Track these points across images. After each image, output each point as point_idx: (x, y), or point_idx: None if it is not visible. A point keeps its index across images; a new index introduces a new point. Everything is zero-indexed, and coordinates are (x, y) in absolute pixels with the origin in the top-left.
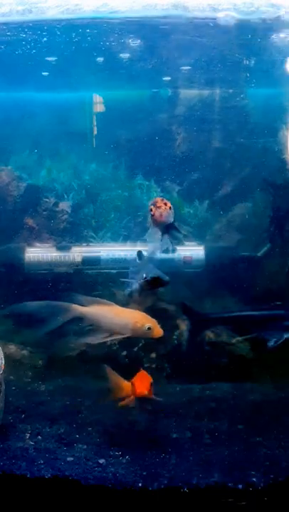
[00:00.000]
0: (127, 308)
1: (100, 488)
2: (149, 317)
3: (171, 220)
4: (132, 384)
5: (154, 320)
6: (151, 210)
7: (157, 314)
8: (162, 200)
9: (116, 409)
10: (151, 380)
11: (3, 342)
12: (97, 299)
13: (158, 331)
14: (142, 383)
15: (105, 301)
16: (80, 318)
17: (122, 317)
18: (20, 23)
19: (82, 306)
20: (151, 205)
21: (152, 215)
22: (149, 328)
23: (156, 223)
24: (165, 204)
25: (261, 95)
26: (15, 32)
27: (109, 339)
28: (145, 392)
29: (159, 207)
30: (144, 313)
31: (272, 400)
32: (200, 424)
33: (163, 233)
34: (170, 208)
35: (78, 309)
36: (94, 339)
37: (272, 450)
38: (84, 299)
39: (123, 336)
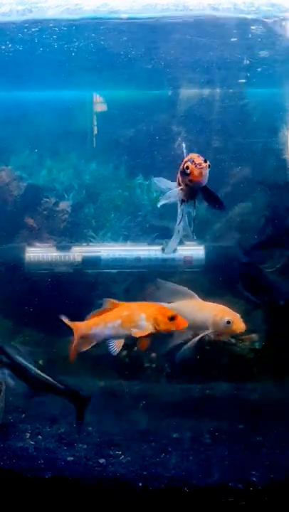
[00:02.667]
0: (209, 302)
1: (100, 488)
2: (230, 310)
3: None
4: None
5: (235, 314)
6: (187, 167)
7: None
8: (199, 156)
9: None
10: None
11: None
12: (180, 287)
13: (239, 326)
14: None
15: (186, 290)
16: None
17: (201, 311)
18: (20, 23)
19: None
20: (187, 162)
21: (188, 174)
22: (228, 322)
23: (189, 185)
24: (205, 161)
25: (261, 95)
26: (15, 31)
27: (196, 338)
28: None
29: (199, 164)
30: (225, 307)
31: (272, 400)
32: (200, 424)
33: (187, 198)
34: (209, 166)
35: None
36: (177, 340)
37: (272, 450)
38: (166, 288)
39: (205, 333)
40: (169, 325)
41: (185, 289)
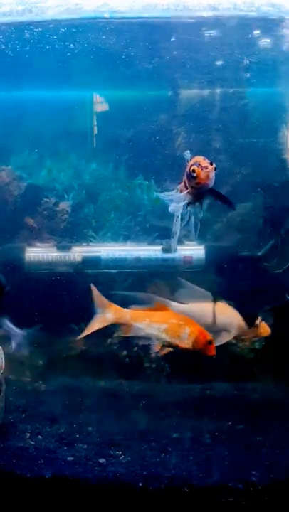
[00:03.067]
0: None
1: (100, 488)
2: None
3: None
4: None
5: (259, 317)
6: (193, 171)
7: None
8: (205, 159)
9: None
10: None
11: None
12: (200, 289)
13: (265, 329)
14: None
15: (206, 293)
16: None
17: (226, 314)
18: (20, 23)
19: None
20: (193, 165)
21: (195, 177)
22: (255, 326)
23: (196, 188)
24: (211, 164)
25: (261, 95)
26: (15, 31)
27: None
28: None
29: (205, 167)
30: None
31: (272, 400)
32: (200, 424)
33: (194, 201)
34: (215, 169)
35: (177, 307)
36: None
37: (272, 450)
38: (187, 288)
39: (231, 337)
40: (205, 347)
41: (205, 291)
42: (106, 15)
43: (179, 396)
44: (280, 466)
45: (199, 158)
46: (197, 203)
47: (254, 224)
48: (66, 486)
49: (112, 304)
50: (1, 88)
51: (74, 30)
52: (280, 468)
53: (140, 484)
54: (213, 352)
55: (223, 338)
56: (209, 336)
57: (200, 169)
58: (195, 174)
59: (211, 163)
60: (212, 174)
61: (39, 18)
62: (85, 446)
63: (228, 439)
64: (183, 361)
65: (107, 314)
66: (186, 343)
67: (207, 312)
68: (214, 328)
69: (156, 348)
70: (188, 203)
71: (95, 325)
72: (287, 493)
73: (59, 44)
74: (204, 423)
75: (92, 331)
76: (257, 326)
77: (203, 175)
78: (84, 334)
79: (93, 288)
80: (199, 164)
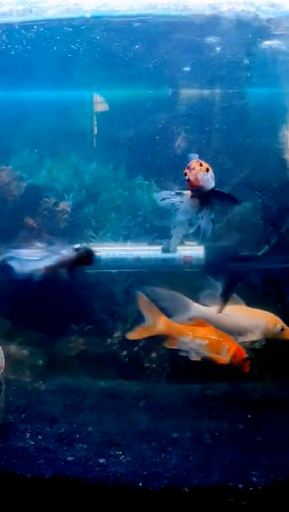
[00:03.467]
0: (256, 309)
1: (100, 488)
2: (278, 318)
3: (212, 185)
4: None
5: (281, 321)
6: (185, 174)
7: None
8: (198, 161)
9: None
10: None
11: (3, 342)
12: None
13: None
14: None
15: (235, 297)
16: None
17: (252, 318)
18: (20, 23)
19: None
20: (185, 169)
21: (187, 181)
22: (281, 330)
23: (194, 190)
24: (200, 165)
25: (261, 95)
26: (15, 31)
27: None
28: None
29: (193, 168)
30: (273, 314)
31: (272, 400)
32: (200, 424)
33: (202, 204)
34: (208, 169)
35: (199, 309)
36: None
37: (272, 450)
38: (214, 289)
39: (255, 339)
40: (240, 364)
41: (233, 293)
42: (88, 14)
43: (179, 396)
44: (280, 466)
45: (192, 162)
46: (206, 207)
47: (254, 224)
48: (66, 486)
49: (163, 315)
50: (1, 88)
51: (74, 30)
52: (280, 468)
53: (140, 484)
54: (247, 369)
55: (248, 338)
56: (245, 354)
57: (189, 171)
58: (187, 177)
59: (201, 165)
60: (202, 175)
61: (39, 18)
62: (85, 446)
63: (228, 439)
64: (183, 361)
65: (157, 325)
66: (223, 359)
67: (233, 316)
68: (239, 332)
69: (195, 358)
70: (200, 208)
71: (144, 333)
72: (287, 493)
73: (59, 44)
74: (204, 423)
75: (140, 338)
76: (283, 330)
77: (192, 177)
78: (132, 337)
79: (142, 296)
80: (189, 167)
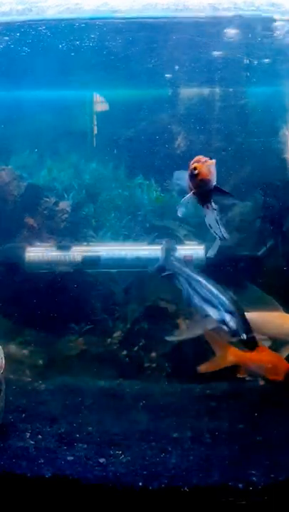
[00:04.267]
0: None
1: (100, 488)
2: None
3: (214, 182)
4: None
5: None
6: (194, 168)
7: (157, 313)
8: (202, 157)
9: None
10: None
11: (3, 341)
12: (268, 297)
13: None
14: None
15: (273, 301)
16: None
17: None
18: (20, 22)
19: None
20: (194, 163)
21: (196, 175)
22: None
23: (200, 186)
24: (210, 159)
25: (261, 94)
26: (15, 31)
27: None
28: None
29: (205, 161)
30: None
31: (272, 400)
32: (200, 424)
33: (206, 202)
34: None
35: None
36: None
37: (272, 450)
38: (254, 293)
39: None
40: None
41: (272, 299)
42: (87, 14)
43: (179, 396)
44: (280, 466)
45: (197, 158)
46: (211, 205)
47: (254, 223)
48: (66, 485)
49: (232, 347)
50: (1, 88)
51: (74, 29)
52: (280, 468)
53: (140, 484)
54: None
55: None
56: None
57: (200, 164)
58: (196, 171)
59: (210, 159)
60: (213, 168)
61: (39, 17)
62: (85, 446)
63: (228, 439)
64: (183, 361)
65: (229, 357)
66: (279, 377)
67: (272, 321)
68: (276, 338)
69: (260, 383)
70: (206, 206)
71: (217, 365)
72: (287, 493)
73: (59, 44)
74: (204, 423)
75: (213, 369)
76: None
77: (204, 169)
78: (203, 370)
79: (209, 333)
80: (199, 161)
